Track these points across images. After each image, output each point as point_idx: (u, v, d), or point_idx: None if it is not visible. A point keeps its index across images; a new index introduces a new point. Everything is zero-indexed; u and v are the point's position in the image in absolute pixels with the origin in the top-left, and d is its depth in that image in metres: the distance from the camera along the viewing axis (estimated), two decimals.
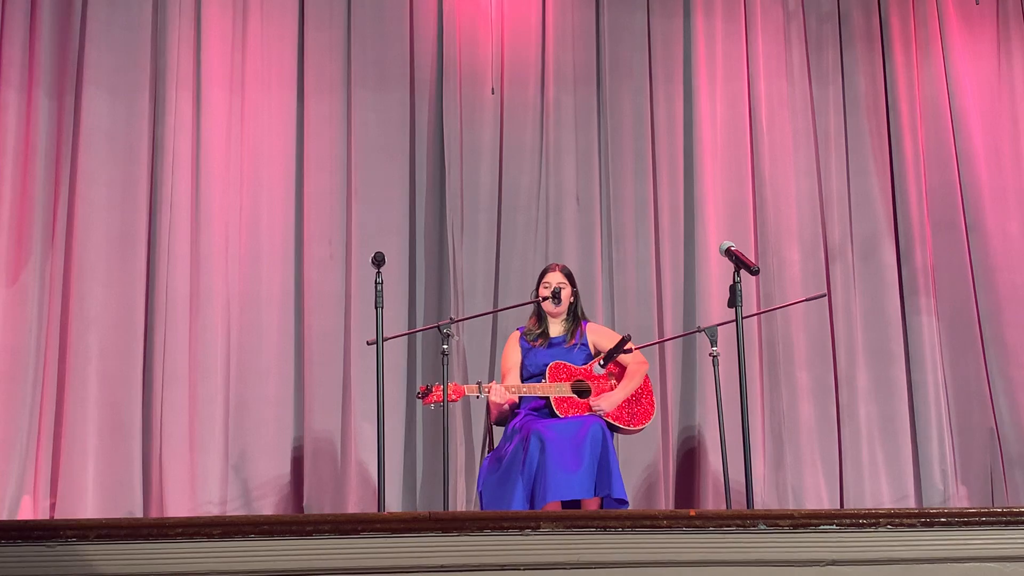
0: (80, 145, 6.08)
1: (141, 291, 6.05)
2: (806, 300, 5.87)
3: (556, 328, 5.30)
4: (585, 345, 5.25)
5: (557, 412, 4.98)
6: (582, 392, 5.07)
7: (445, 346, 4.90)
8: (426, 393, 4.91)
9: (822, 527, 3.44)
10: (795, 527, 3.43)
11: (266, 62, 6.42)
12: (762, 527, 3.42)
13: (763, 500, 6.22)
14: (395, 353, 6.10)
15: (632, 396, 5.13)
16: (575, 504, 4.82)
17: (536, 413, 5.07)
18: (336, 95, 6.44)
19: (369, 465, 5.97)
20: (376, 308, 4.77)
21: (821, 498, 6.32)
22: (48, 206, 6.04)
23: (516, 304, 5.74)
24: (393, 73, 6.50)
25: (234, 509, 5.95)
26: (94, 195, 6.07)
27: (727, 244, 4.80)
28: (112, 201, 6.10)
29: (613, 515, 3.47)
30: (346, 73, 6.46)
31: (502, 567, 3.33)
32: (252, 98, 6.37)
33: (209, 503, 5.91)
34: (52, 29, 6.16)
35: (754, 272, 4.63)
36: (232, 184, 6.27)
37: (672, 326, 6.44)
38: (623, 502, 4.79)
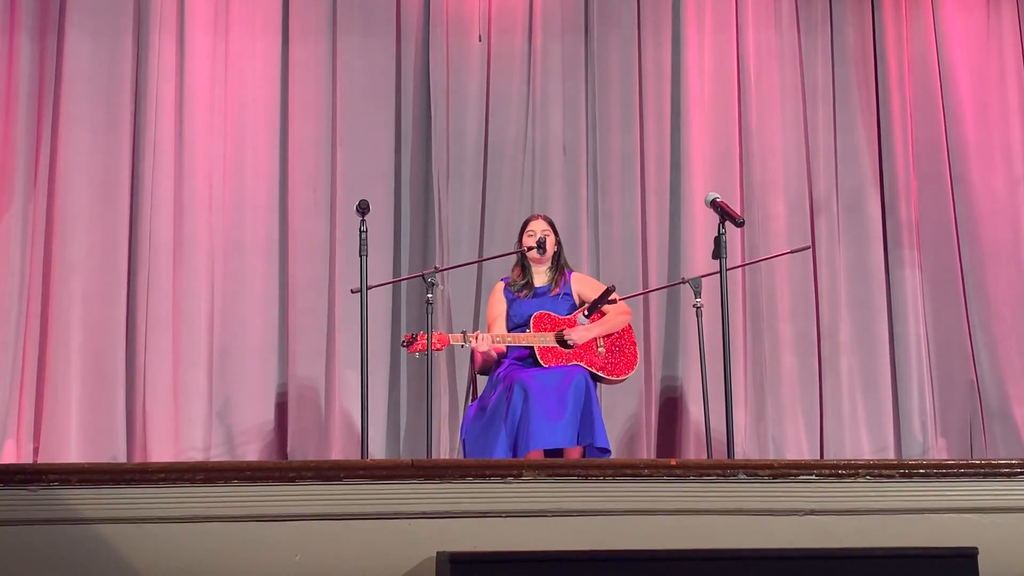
0: (63, 88, 6.03)
1: (124, 237, 6.03)
2: (790, 252, 5.87)
3: (540, 278, 5.29)
4: (569, 295, 5.25)
5: (541, 362, 4.99)
6: (566, 342, 5.08)
7: (430, 295, 4.90)
8: (411, 341, 4.91)
9: (802, 477, 3.47)
10: (775, 477, 3.47)
11: (250, 6, 6.35)
12: (742, 477, 3.45)
13: (744, 450, 6.26)
14: (379, 301, 6.09)
15: (616, 346, 5.14)
16: (558, 453, 4.85)
17: (520, 363, 5.08)
18: (321, 40, 6.37)
19: (353, 413, 5.99)
20: (360, 256, 4.75)
21: (801, 449, 6.36)
22: (30, 150, 6.00)
23: (501, 254, 5.73)
24: (379, 19, 6.43)
25: (218, 455, 5.97)
26: (77, 139, 6.02)
27: (712, 195, 4.79)
28: (95, 145, 6.05)
29: (595, 464, 3.50)
30: (331, 18, 6.39)
31: (484, 514, 3.36)
32: (236, 43, 6.30)
33: (193, 449, 5.92)
34: None
35: (739, 224, 4.63)
36: (216, 129, 6.22)
37: (656, 277, 6.44)
38: (605, 451, 4.82)
